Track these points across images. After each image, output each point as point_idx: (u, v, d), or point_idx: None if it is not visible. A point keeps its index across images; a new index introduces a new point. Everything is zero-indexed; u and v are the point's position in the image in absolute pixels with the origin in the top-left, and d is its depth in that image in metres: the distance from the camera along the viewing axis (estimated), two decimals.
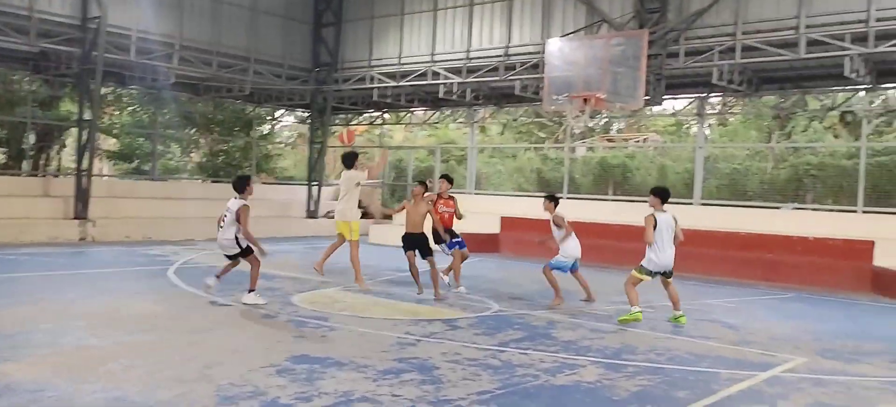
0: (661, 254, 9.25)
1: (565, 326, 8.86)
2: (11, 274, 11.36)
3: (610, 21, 16.60)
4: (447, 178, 12.23)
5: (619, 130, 31.93)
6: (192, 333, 7.59)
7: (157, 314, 8.51)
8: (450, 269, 11.53)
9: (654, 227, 9.20)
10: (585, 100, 15.59)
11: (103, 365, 6.14)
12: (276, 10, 21.17)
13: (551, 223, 10.50)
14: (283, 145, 31.76)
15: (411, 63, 20.29)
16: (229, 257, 9.47)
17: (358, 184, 11.67)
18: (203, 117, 26.06)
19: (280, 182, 27.23)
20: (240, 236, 9.25)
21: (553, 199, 10.77)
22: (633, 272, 9.39)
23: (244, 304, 9.21)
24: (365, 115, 26.30)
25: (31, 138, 22.48)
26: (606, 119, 29.72)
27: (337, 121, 26.74)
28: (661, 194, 9.59)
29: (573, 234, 10.53)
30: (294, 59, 21.64)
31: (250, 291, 9.32)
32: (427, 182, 11.66)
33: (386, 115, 25.80)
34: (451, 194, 12.06)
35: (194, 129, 26.78)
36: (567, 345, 7.76)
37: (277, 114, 28.07)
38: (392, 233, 20.12)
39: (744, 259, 14.94)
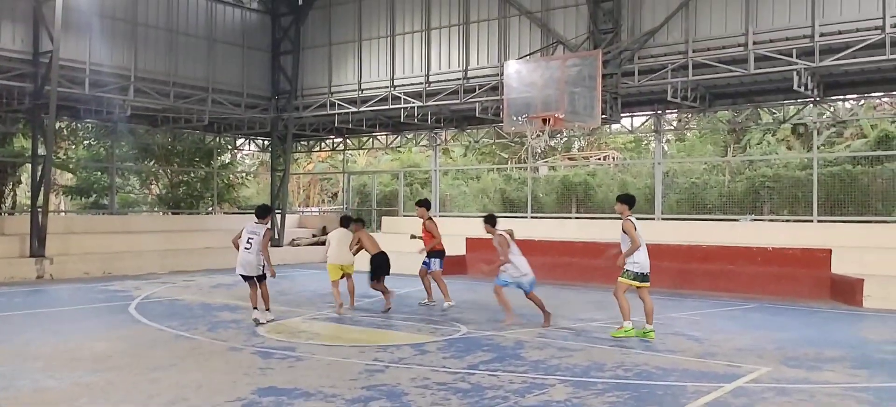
0: (644, 255, 9.41)
1: (534, 345, 8.88)
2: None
3: (565, 43, 16.86)
4: (424, 203, 13.05)
5: (580, 149, 32.34)
6: (155, 369, 7.43)
7: (119, 352, 8.30)
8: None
9: (635, 228, 9.34)
10: (544, 120, 15.80)
11: (62, 405, 5.97)
12: (234, 40, 21.05)
13: (495, 244, 10.58)
14: (244, 174, 31.43)
15: (371, 88, 20.32)
16: (246, 278, 10.31)
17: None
18: (162, 149, 25.68)
19: (243, 211, 26.92)
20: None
21: (490, 221, 11.04)
22: (621, 279, 9.45)
23: (262, 323, 10.11)
24: (327, 141, 26.22)
25: None
26: (567, 138, 30.08)
27: (299, 147, 26.60)
28: (629, 201, 9.83)
29: (519, 252, 10.51)
30: (253, 87, 21.50)
31: (267, 309, 10.41)
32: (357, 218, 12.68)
33: (348, 141, 25.75)
34: (431, 218, 12.71)
35: (153, 161, 26.38)
36: (536, 364, 7.78)
37: (238, 143, 27.80)
38: (359, 258, 19.99)
39: (705, 271, 15.18)
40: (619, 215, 9.79)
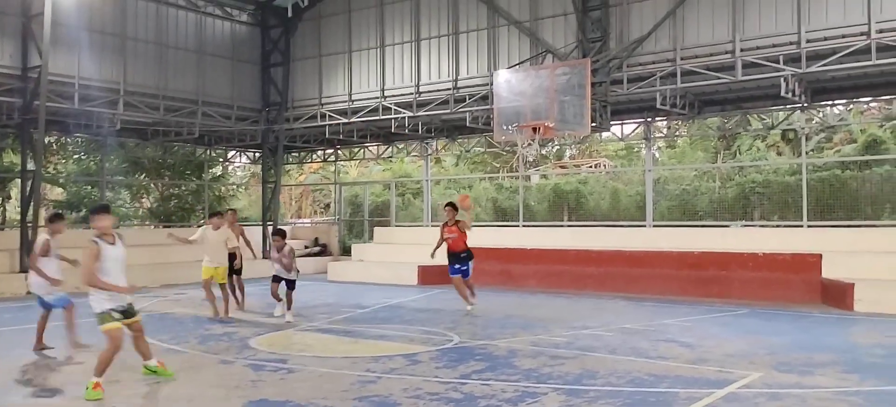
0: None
1: (526, 354, 8.88)
2: None
3: (554, 51, 16.93)
4: (451, 205, 12.90)
5: (571, 157, 32.43)
6: (147, 383, 7.39)
7: (111, 366, 8.23)
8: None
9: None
10: (535, 129, 15.85)
11: None
12: (223, 52, 21.04)
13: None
14: (235, 187, 31.35)
15: (361, 99, 20.34)
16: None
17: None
18: (152, 162, 25.59)
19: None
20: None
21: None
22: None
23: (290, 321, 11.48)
24: (318, 152, 26.21)
25: None
26: (558, 146, 30.17)
27: (290, 159, 26.57)
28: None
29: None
30: (243, 99, 21.48)
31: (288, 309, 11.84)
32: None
33: (339, 152, 25.75)
34: (459, 219, 12.63)
35: (144, 175, 26.28)
36: (528, 373, 7.77)
37: (229, 155, 27.75)
38: (351, 269, 20.01)
39: (697, 278, 15.22)
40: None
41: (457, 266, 12.56)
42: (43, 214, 17.31)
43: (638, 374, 7.75)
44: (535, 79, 16.20)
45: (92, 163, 24.56)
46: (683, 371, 7.89)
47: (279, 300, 12.16)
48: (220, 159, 27.88)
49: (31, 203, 16.88)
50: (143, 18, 19.18)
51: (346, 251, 24.25)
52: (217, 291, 12.30)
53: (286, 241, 12.26)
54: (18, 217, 18.25)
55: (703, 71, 15.10)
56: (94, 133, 20.11)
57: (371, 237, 24.10)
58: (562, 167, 30.10)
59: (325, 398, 6.66)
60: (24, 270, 16.57)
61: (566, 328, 10.90)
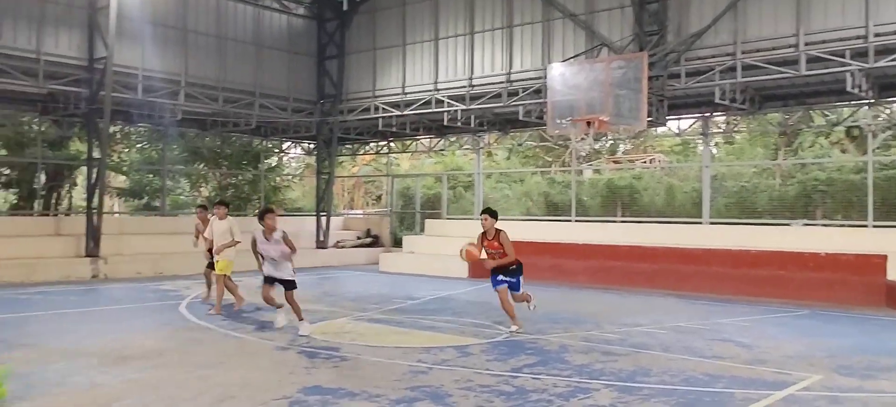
0: None
1: (578, 349, 8.82)
2: (24, 313, 11.41)
3: (610, 45, 16.71)
4: (489, 212, 10.26)
5: (625, 152, 31.95)
6: (204, 367, 7.60)
7: (169, 349, 8.52)
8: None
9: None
10: (589, 123, 15.68)
11: (115, 403, 6.15)
12: (280, 45, 21.40)
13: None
14: (290, 177, 31.88)
15: (415, 92, 20.44)
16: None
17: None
18: (211, 152, 26.23)
19: (289, 214, 27.31)
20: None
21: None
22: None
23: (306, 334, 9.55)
24: (371, 144, 26.45)
25: (42, 179, 22.65)
26: (612, 141, 29.75)
27: (343, 151, 26.89)
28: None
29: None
30: (299, 91, 21.83)
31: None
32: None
33: (392, 144, 25.95)
34: (499, 228, 10.10)
35: (203, 164, 26.96)
36: (580, 369, 7.72)
37: (284, 146, 28.24)
38: (402, 261, 20.17)
39: (755, 277, 14.86)
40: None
41: (501, 277, 10.04)
42: (107, 200, 17.94)
43: (692, 373, 7.61)
44: (590, 72, 16.02)
45: (154, 152, 25.31)
46: (740, 371, 7.72)
47: (278, 306, 9.99)
48: (276, 150, 28.39)
49: (96, 190, 17.50)
50: (203, 11, 19.65)
51: (397, 243, 24.45)
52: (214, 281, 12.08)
53: (277, 222, 9.89)
54: (84, 204, 18.94)
55: (764, 65, 14.69)
56: (156, 123, 20.71)
57: (422, 229, 24.23)
58: (615, 162, 29.70)
59: (378, 387, 6.73)
60: (88, 254, 17.21)
61: (618, 325, 10.78)
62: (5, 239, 16.68)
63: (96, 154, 17.68)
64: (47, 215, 22.06)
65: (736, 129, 22.36)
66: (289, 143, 27.38)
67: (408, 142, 25.71)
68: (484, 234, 10.08)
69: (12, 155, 22.22)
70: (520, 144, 24.80)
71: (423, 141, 25.40)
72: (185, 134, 23.43)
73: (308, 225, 23.85)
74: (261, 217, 9.94)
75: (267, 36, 21.10)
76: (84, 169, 19.55)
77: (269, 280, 9.75)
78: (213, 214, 12.11)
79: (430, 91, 20.02)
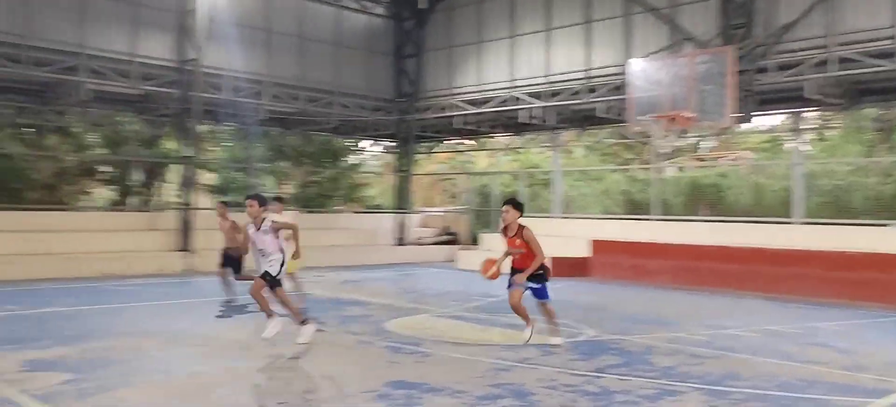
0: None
1: (663, 351, 8.62)
2: (123, 304, 12.01)
3: (694, 39, 16.25)
4: (513, 202, 8.53)
5: (710, 149, 30.98)
6: (292, 359, 7.81)
7: (257, 342, 8.79)
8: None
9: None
10: (672, 119, 15.30)
11: (212, 391, 6.40)
12: (358, 44, 21.78)
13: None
14: (371, 174, 32.39)
15: (491, 89, 20.43)
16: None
17: None
18: (294, 150, 26.94)
19: (369, 211, 27.79)
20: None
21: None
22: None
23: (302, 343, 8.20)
24: (447, 142, 26.58)
25: (138, 176, 23.77)
26: (695, 138, 28.93)
27: (420, 149, 27.14)
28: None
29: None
30: (377, 90, 22.17)
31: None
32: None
33: (468, 142, 26.01)
34: (522, 224, 8.42)
35: (286, 162, 27.71)
36: (667, 371, 7.54)
37: (363, 144, 28.71)
38: (480, 258, 20.16)
39: (851, 280, 14.13)
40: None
41: (526, 284, 8.37)
42: (195, 196, 18.67)
43: (786, 378, 7.32)
44: (673, 67, 15.61)
45: (240, 150, 26.18)
46: (837, 378, 7.38)
47: (270, 314, 8.27)
48: (353, 148, 28.90)
49: (188, 187, 18.25)
50: (285, 12, 20.21)
51: (474, 240, 24.49)
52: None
53: (266, 210, 8.42)
54: (173, 200, 19.78)
55: (860, 58, 13.99)
56: (242, 122, 21.43)
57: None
58: (699, 160, 28.84)
59: (460, 383, 6.77)
60: (181, 249, 17.96)
61: (704, 327, 10.48)
62: (106, 234, 17.61)
63: (187, 152, 18.42)
64: (142, 211, 23.12)
65: (829, 125, 21.34)
66: (367, 141, 27.83)
67: (484, 139, 25.73)
68: (504, 228, 8.49)
69: (111, 153, 23.40)
70: (598, 142, 24.44)
71: (499, 138, 25.36)
72: (269, 132, 24.14)
73: (385, 222, 24.20)
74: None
75: (346, 35, 21.51)
76: (173, 166, 20.41)
77: (264, 276, 8.25)
78: (268, 210, 11.11)
79: (507, 89, 19.96)
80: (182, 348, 8.23)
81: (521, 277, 8.28)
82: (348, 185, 28.01)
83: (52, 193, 21.93)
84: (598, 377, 7.16)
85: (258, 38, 19.59)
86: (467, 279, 16.73)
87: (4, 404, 5.80)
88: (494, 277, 8.60)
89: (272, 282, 8.20)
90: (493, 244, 21.17)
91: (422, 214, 28.88)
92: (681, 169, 27.35)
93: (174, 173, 22.24)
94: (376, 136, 25.98)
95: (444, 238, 24.95)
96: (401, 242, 23.44)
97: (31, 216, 17.99)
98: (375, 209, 28.94)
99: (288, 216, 11.50)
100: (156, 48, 17.75)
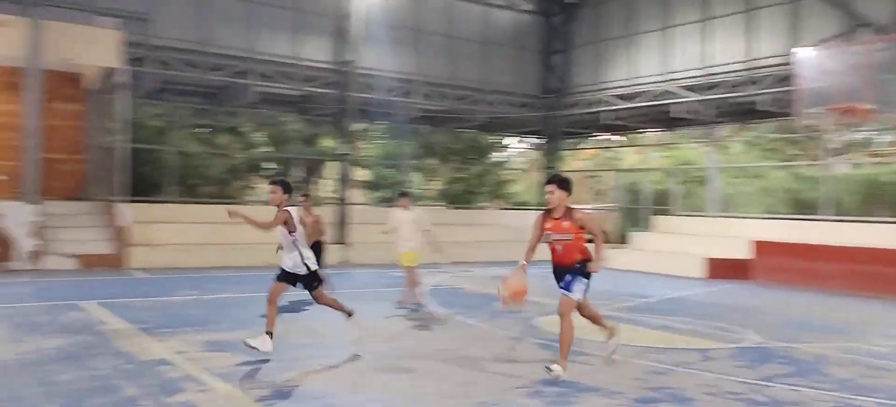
0: None
1: (837, 361, 7.98)
2: (289, 295, 12.74)
3: (871, 24, 14.89)
4: (557, 180, 7.22)
5: (890, 144, 28.27)
6: (444, 351, 7.97)
7: (411, 333, 9.08)
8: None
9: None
10: (845, 111, 14.14)
11: (373, 378, 6.67)
12: (506, 42, 21.85)
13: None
14: (517, 171, 32.44)
15: (641, 84, 19.80)
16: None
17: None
18: (442, 147, 27.50)
19: (514, 207, 27.83)
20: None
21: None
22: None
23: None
24: (595, 138, 26.10)
25: (298, 172, 25.22)
26: (869, 132, 26.53)
27: (567, 145, 26.82)
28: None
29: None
30: (524, 87, 22.14)
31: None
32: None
33: (617, 137, 25.39)
34: (573, 208, 7.14)
35: (434, 159, 28.37)
36: (843, 383, 6.96)
37: (506, 140, 28.79)
38: (630, 258, 19.65)
39: None
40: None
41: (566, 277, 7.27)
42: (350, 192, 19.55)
43: None
44: (848, 56, 14.44)
45: (391, 147, 27.11)
46: None
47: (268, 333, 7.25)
48: (498, 144, 29.05)
49: (344, 183, 19.15)
50: (434, 12, 20.66)
51: (622, 239, 23.86)
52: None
53: (289, 199, 7.36)
54: (329, 195, 20.80)
55: None
56: (394, 120, 22.18)
57: (650, 226, 23.40)
58: (876, 155, 26.40)
59: (616, 385, 6.61)
60: (338, 242, 18.87)
61: (885, 337, 9.60)
62: None
63: (343, 150, 19.33)
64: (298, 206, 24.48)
65: None
66: (514, 137, 27.89)
67: (634, 135, 25.00)
68: (548, 212, 7.15)
69: (275, 152, 25.00)
70: (758, 136, 23.03)
71: (650, 134, 24.55)
72: (418, 130, 24.80)
73: (532, 219, 24.08)
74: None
75: (494, 33, 21.66)
76: (330, 163, 21.45)
77: (288, 277, 7.51)
78: (397, 207, 11.46)
79: (658, 82, 19.28)
80: (343, 336, 8.63)
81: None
82: (494, 182, 28.18)
83: (223, 188, 23.73)
84: (766, 386, 6.73)
85: (409, 38, 20.18)
86: (616, 279, 16.32)
87: (188, 381, 6.33)
88: (523, 293, 7.23)
89: (313, 283, 7.45)
90: (646, 243, 20.54)
91: None
92: (855, 165, 25.17)
93: (331, 170, 23.39)
94: (523, 133, 25.97)
95: (589, 236, 24.48)
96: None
97: (206, 209, 19.56)
98: (521, 206, 28.94)
99: (421, 211, 11.74)
100: (315, 51, 18.76)
